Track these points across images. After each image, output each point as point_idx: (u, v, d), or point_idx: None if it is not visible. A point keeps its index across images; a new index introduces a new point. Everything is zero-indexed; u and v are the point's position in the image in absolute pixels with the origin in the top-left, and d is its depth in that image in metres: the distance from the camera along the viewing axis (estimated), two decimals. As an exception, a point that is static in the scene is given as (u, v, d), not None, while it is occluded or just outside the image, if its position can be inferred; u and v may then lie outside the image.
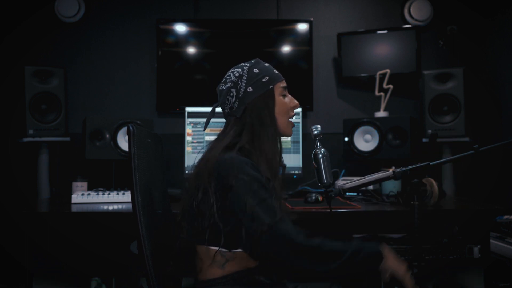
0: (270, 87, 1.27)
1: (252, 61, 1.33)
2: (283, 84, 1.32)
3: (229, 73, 1.30)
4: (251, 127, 1.24)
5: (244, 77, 1.26)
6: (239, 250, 1.20)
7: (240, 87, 1.25)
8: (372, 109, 2.68)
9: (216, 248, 1.19)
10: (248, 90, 1.25)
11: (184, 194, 1.26)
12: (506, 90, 2.55)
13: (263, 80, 1.27)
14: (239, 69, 1.29)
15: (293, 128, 1.36)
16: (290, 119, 1.32)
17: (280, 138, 1.30)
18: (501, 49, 2.60)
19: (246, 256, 1.22)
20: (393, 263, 1.15)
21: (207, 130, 2.27)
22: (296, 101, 1.33)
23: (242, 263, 1.22)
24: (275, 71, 1.32)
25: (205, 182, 1.18)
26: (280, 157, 1.31)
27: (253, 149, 1.23)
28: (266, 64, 1.33)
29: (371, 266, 1.14)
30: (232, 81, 1.27)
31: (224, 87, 1.29)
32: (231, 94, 1.26)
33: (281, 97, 1.29)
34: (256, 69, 1.28)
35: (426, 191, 1.80)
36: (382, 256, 1.14)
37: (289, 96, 1.33)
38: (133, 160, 1.16)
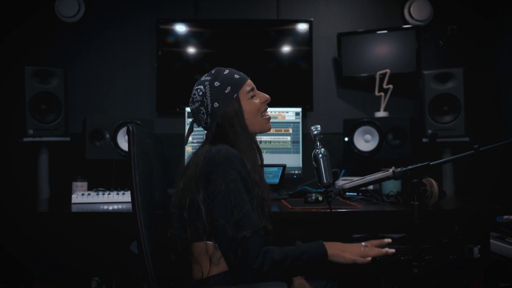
0: (235, 95, 1.30)
1: (212, 72, 1.35)
2: (249, 86, 1.33)
3: (194, 91, 1.34)
4: (227, 138, 1.29)
5: (208, 94, 1.30)
6: None
7: (207, 104, 1.29)
8: (372, 109, 2.68)
9: (210, 242, 1.20)
10: (214, 105, 1.29)
11: (176, 193, 1.29)
12: (506, 90, 2.55)
13: (226, 92, 1.29)
14: (201, 86, 1.32)
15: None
16: (264, 116, 1.35)
17: (255, 140, 1.35)
18: (501, 49, 2.60)
19: None
20: (337, 256, 1.22)
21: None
22: (266, 95, 1.36)
23: None
24: (236, 76, 1.33)
25: (195, 177, 1.21)
26: (260, 159, 1.36)
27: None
28: (226, 72, 1.33)
29: (317, 263, 1.22)
30: (198, 101, 1.31)
31: (194, 106, 1.33)
32: (202, 112, 1.31)
33: (248, 100, 1.32)
34: (217, 82, 1.30)
35: (426, 191, 1.80)
36: (326, 254, 1.21)
37: (258, 93, 1.36)
38: (133, 160, 1.16)
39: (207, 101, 1.29)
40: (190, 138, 2.34)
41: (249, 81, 1.34)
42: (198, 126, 1.37)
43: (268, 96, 1.36)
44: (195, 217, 1.21)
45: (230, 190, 1.17)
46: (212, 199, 1.18)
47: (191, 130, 1.41)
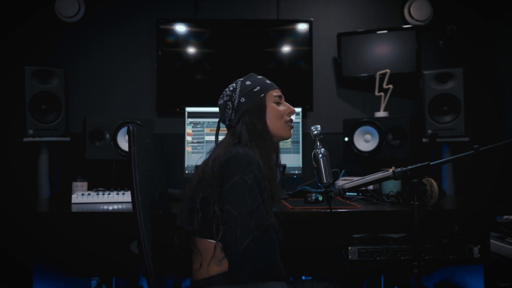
0: (262, 95, 1.36)
1: (247, 75, 1.42)
2: (277, 93, 1.39)
3: (226, 89, 1.40)
4: (246, 132, 1.32)
5: (237, 90, 1.36)
6: None
7: (235, 99, 1.35)
8: (372, 109, 2.69)
9: (216, 241, 1.20)
10: (241, 100, 1.34)
11: (187, 190, 1.29)
12: (506, 90, 2.55)
13: (255, 90, 1.36)
14: (234, 84, 1.39)
15: (293, 128, 1.40)
16: (287, 122, 1.39)
17: (273, 141, 1.37)
18: (501, 49, 2.60)
19: None
20: None
21: (207, 130, 2.29)
22: (292, 108, 1.41)
23: None
24: (267, 81, 1.41)
25: (209, 176, 1.22)
26: (276, 158, 1.39)
27: (250, 149, 1.28)
28: (260, 77, 1.41)
29: None
30: (227, 95, 1.37)
31: (222, 101, 1.39)
32: (228, 107, 1.36)
33: (274, 104, 1.38)
34: (249, 81, 1.38)
35: (426, 191, 1.80)
36: None
37: (285, 103, 1.41)
38: (133, 160, 1.17)
39: (235, 96, 1.35)
40: (190, 138, 2.35)
41: (278, 89, 1.41)
42: (223, 123, 1.41)
43: (294, 109, 1.42)
44: (206, 213, 1.21)
45: (245, 188, 1.17)
46: (226, 195, 1.18)
47: (218, 128, 1.45)
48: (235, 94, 1.35)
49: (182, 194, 1.34)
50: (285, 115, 1.38)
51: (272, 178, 1.30)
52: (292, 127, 1.42)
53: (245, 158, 1.20)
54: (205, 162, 1.28)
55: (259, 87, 1.36)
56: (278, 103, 1.38)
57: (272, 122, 1.36)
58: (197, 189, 1.24)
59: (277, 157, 1.40)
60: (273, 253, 1.18)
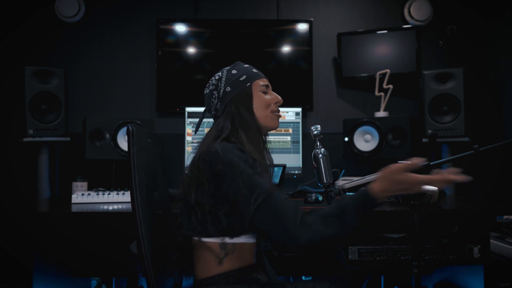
0: (248, 84, 1.32)
1: (233, 64, 1.38)
2: (264, 82, 1.35)
3: (212, 78, 1.37)
4: (232, 121, 1.29)
5: (223, 79, 1.33)
6: (240, 241, 1.22)
7: (220, 88, 1.32)
8: (372, 109, 2.69)
9: (217, 240, 1.20)
10: (226, 90, 1.31)
11: (181, 191, 1.28)
12: (506, 90, 2.55)
13: (241, 79, 1.32)
14: (220, 73, 1.36)
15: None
16: (274, 112, 1.35)
17: (260, 131, 1.33)
18: (501, 49, 2.60)
19: (246, 248, 1.24)
20: (386, 187, 1.09)
21: (207, 130, 2.28)
22: (279, 97, 1.36)
23: (241, 257, 1.23)
24: (254, 70, 1.36)
25: (197, 174, 1.21)
26: (264, 149, 1.34)
27: (236, 139, 1.26)
28: (246, 65, 1.37)
29: (370, 208, 1.10)
30: (213, 84, 1.34)
31: (207, 91, 1.36)
32: (214, 96, 1.33)
33: (260, 93, 1.33)
34: (235, 70, 1.34)
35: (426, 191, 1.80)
36: (371, 196, 1.09)
37: (272, 92, 1.36)
38: (133, 160, 1.16)
39: (220, 85, 1.32)
40: (190, 138, 2.35)
41: (265, 78, 1.36)
42: (209, 113, 1.37)
43: (280, 98, 1.37)
44: (203, 211, 1.20)
45: (236, 171, 1.14)
46: (222, 187, 1.16)
47: (202, 117, 1.42)
48: (220, 83, 1.32)
49: (181, 194, 1.33)
50: (272, 105, 1.34)
51: (263, 163, 1.26)
52: (279, 117, 1.37)
53: (225, 148, 1.18)
54: (192, 161, 1.27)
55: (245, 76, 1.32)
56: (264, 93, 1.34)
57: (259, 111, 1.31)
58: (190, 189, 1.23)
59: (265, 147, 1.35)
60: (283, 215, 1.08)
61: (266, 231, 1.10)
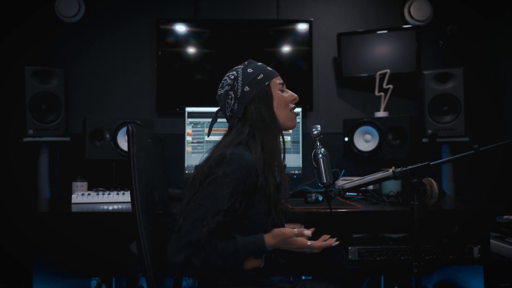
0: (266, 83, 1.30)
1: (245, 63, 1.35)
2: (279, 80, 1.34)
3: (225, 78, 1.33)
4: (253, 124, 1.26)
5: (240, 78, 1.29)
6: None
7: (237, 88, 1.28)
8: (372, 109, 2.69)
9: None
10: (245, 89, 1.28)
11: (185, 192, 1.27)
12: (506, 90, 2.55)
13: (258, 78, 1.29)
14: (234, 72, 1.32)
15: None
16: (292, 111, 1.34)
17: (281, 133, 1.33)
18: (501, 49, 2.60)
19: None
20: (277, 244, 1.22)
21: (208, 130, 2.28)
22: (295, 94, 1.36)
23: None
24: (269, 68, 1.35)
25: (203, 177, 1.20)
26: (283, 152, 1.33)
27: (255, 143, 1.25)
28: (259, 63, 1.36)
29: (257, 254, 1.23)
30: (228, 84, 1.30)
31: (222, 91, 1.31)
32: (230, 97, 1.29)
33: (279, 92, 1.32)
34: (250, 69, 1.31)
35: (426, 191, 1.80)
36: (264, 247, 1.21)
37: (287, 90, 1.36)
38: (133, 160, 1.16)
39: (237, 85, 1.28)
40: (189, 138, 2.34)
41: (279, 76, 1.35)
42: (224, 114, 1.34)
43: (296, 95, 1.36)
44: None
45: (218, 183, 1.15)
46: (203, 187, 1.18)
47: (215, 118, 1.39)
48: (237, 82, 1.28)
49: (182, 194, 1.32)
50: (289, 103, 1.33)
51: (280, 168, 1.28)
52: (296, 115, 1.37)
53: (238, 158, 1.17)
54: (202, 163, 1.25)
55: (262, 75, 1.29)
56: (281, 91, 1.32)
57: (279, 111, 1.30)
58: (189, 189, 1.22)
59: (284, 148, 1.34)
60: (190, 234, 1.11)
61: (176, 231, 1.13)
